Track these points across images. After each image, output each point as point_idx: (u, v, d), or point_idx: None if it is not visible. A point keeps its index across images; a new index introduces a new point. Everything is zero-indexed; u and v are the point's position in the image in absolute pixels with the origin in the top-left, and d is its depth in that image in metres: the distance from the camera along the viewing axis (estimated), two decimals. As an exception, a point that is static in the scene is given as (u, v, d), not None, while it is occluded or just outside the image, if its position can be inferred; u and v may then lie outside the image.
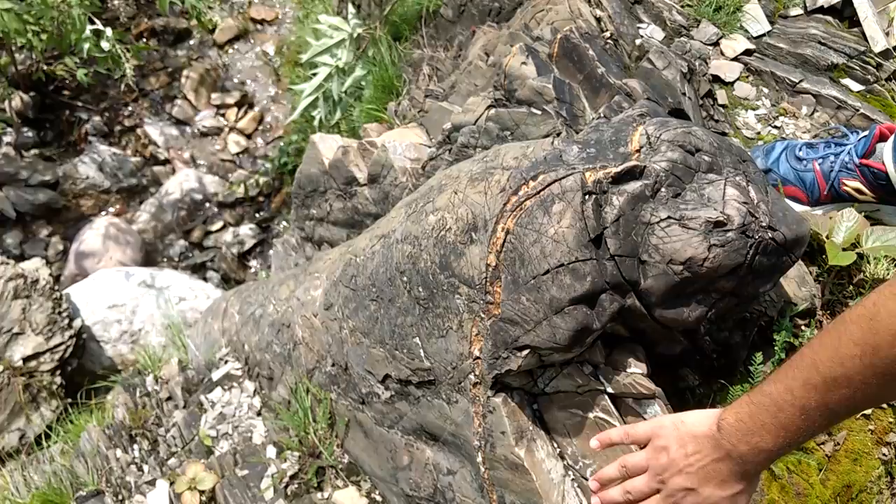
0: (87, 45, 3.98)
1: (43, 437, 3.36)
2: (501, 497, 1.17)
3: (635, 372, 1.11)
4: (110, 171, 5.74)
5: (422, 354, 1.28)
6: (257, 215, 5.85)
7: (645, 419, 1.11)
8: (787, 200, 1.51)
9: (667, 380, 1.19)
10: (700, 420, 0.89)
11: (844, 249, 1.30)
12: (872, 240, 1.31)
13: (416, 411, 1.37)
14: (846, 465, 1.19)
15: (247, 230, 5.70)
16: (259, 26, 6.90)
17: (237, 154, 6.20)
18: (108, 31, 4.09)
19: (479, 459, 1.19)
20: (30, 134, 5.65)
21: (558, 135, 1.52)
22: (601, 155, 1.09)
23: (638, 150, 1.11)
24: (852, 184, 1.44)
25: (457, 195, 1.22)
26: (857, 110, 1.76)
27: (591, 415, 1.12)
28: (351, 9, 3.23)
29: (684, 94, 1.65)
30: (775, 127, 1.82)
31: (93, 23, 4.10)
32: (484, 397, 1.16)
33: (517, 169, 1.12)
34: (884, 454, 1.19)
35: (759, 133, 1.80)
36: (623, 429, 0.99)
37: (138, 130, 6.14)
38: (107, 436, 2.28)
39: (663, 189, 1.05)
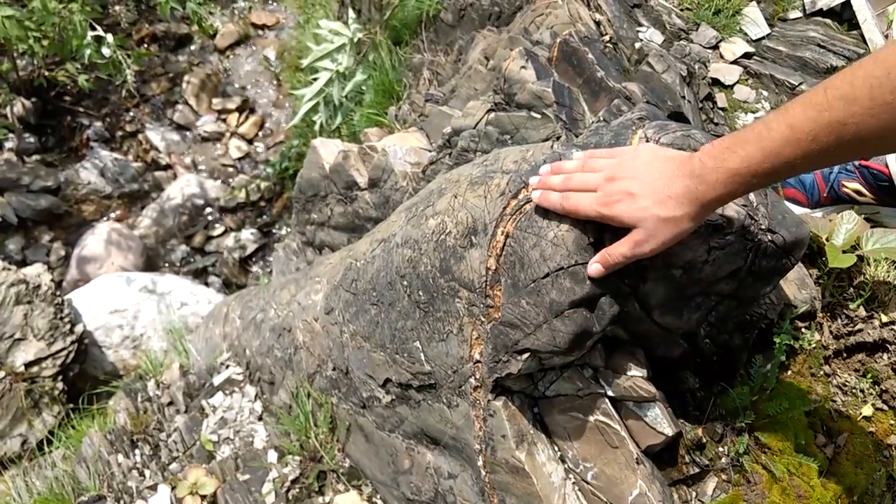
0: (88, 51, 4.01)
1: (45, 442, 3.37)
2: (503, 500, 1.17)
3: (635, 375, 1.11)
4: (112, 177, 5.75)
5: (422, 358, 1.28)
6: (258, 220, 5.86)
7: (645, 422, 1.11)
8: (787, 203, 1.51)
9: (667, 383, 1.19)
10: (682, 153, 0.88)
11: (844, 252, 1.29)
12: (872, 242, 1.31)
13: (417, 415, 1.37)
14: (847, 467, 1.18)
15: (248, 235, 5.71)
16: (260, 31, 6.92)
17: (238, 159, 6.22)
18: (110, 37, 4.12)
19: (480, 463, 1.19)
20: (31, 140, 5.67)
21: (558, 138, 1.52)
22: (600, 158, 1.09)
23: (637, 154, 1.11)
24: (852, 185, 1.44)
25: (457, 199, 1.22)
26: (857, 113, 1.76)
27: (591, 418, 1.12)
28: (351, 14, 3.24)
29: (684, 97, 1.66)
30: (775, 129, 1.81)
31: (94, 29, 4.12)
32: (484, 401, 1.16)
33: (517, 172, 1.12)
34: (885, 457, 1.19)
35: (758, 136, 1.80)
36: (605, 150, 0.99)
37: (140, 136, 6.16)
38: (108, 441, 2.28)
39: (662, 192, 1.05)
